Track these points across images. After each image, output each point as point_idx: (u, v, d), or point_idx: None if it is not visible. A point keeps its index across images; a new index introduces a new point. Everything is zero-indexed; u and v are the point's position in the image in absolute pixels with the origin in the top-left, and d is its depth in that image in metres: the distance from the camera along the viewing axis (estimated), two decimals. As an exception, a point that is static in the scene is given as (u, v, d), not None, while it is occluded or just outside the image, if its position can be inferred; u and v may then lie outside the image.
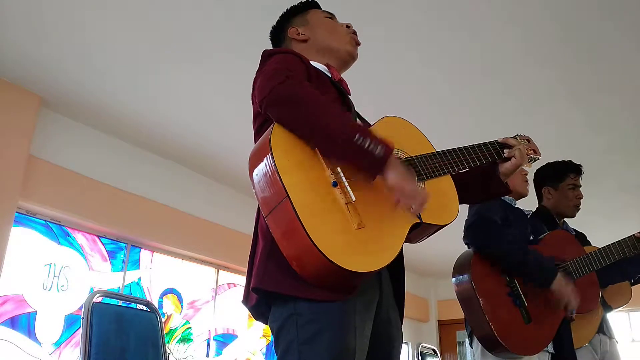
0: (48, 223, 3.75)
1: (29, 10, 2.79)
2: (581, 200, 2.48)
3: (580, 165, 2.53)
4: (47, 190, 3.60)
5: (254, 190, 1.08)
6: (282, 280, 1.03)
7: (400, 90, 3.50)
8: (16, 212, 3.43)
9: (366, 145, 1.02)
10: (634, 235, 2.31)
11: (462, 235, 2.15)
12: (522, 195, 2.30)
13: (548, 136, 4.01)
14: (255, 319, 1.19)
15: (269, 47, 1.48)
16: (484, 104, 3.65)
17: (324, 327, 1.00)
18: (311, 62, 1.30)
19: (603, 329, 2.43)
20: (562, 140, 4.07)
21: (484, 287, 1.94)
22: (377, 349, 1.15)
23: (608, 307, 2.50)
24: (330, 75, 1.34)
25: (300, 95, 1.07)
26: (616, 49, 3.05)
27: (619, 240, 2.27)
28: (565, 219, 2.54)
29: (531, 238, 2.26)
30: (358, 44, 1.44)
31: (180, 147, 4.34)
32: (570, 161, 2.53)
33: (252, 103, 1.24)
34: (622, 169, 4.50)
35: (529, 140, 1.51)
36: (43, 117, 3.66)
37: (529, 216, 2.30)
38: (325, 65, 1.37)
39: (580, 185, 2.51)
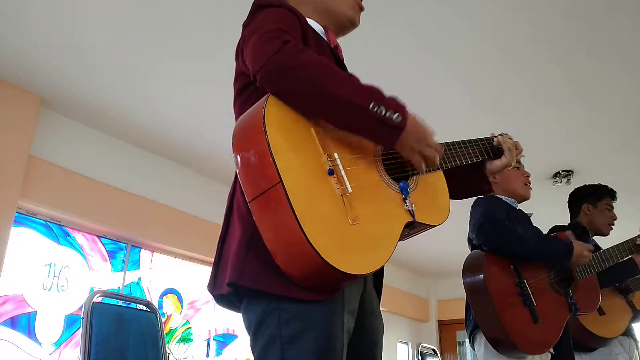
0: (48, 223, 3.75)
1: (28, 10, 2.79)
2: (615, 221, 2.71)
3: (615, 191, 2.79)
4: (47, 190, 3.60)
5: (237, 169, 0.96)
6: (264, 277, 0.92)
7: (401, 88, 3.47)
8: (16, 212, 3.42)
9: (382, 113, 0.95)
10: (633, 239, 2.38)
11: (471, 236, 2.16)
12: (524, 198, 2.31)
13: (551, 135, 4.01)
14: (221, 306, 1.08)
15: None
16: (489, 101, 3.65)
17: (310, 325, 0.92)
18: (307, 19, 1.17)
19: (631, 332, 2.55)
20: (565, 138, 4.07)
21: (495, 286, 1.98)
22: (362, 341, 1.09)
23: (638, 312, 2.60)
24: (326, 39, 1.22)
25: (303, 64, 0.94)
26: (619, 49, 3.05)
27: (617, 244, 2.35)
28: (594, 238, 2.72)
29: None
30: (362, 8, 1.31)
31: (180, 147, 4.34)
32: (607, 186, 2.79)
33: (236, 59, 1.12)
34: (623, 168, 4.50)
35: (511, 139, 1.49)
36: (43, 117, 3.66)
37: (530, 217, 2.32)
38: (322, 26, 1.24)
39: (614, 208, 2.76)
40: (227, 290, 0.98)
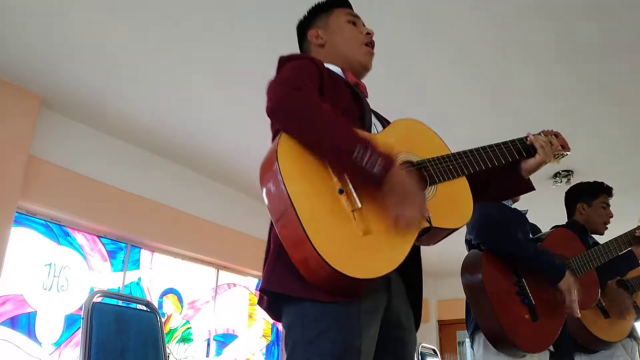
0: (48, 223, 3.75)
1: (28, 10, 2.79)
2: (611, 219, 2.65)
3: (612, 187, 2.70)
4: (47, 190, 3.60)
5: (264, 199, 1.11)
6: (288, 282, 1.05)
7: (410, 87, 3.48)
8: (16, 212, 3.43)
9: (365, 160, 1.02)
10: (632, 231, 2.37)
11: (469, 237, 2.16)
12: (516, 198, 2.32)
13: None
14: (273, 320, 1.22)
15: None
16: (492, 97, 3.65)
17: (329, 326, 1.02)
18: (326, 65, 1.31)
19: (633, 333, 2.53)
20: (565, 138, 4.06)
21: (493, 286, 1.98)
22: (387, 353, 1.14)
23: None
24: (345, 79, 1.34)
25: (302, 108, 1.09)
26: (624, 50, 3.04)
27: (616, 237, 2.34)
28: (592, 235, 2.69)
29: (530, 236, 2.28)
30: (373, 55, 1.44)
31: (180, 147, 4.34)
32: (604, 182, 2.71)
33: None
34: (623, 169, 4.50)
35: (557, 135, 1.49)
36: (43, 117, 3.66)
37: (526, 213, 2.32)
38: (340, 68, 1.37)
39: (610, 205, 2.69)
40: (266, 300, 1.14)
